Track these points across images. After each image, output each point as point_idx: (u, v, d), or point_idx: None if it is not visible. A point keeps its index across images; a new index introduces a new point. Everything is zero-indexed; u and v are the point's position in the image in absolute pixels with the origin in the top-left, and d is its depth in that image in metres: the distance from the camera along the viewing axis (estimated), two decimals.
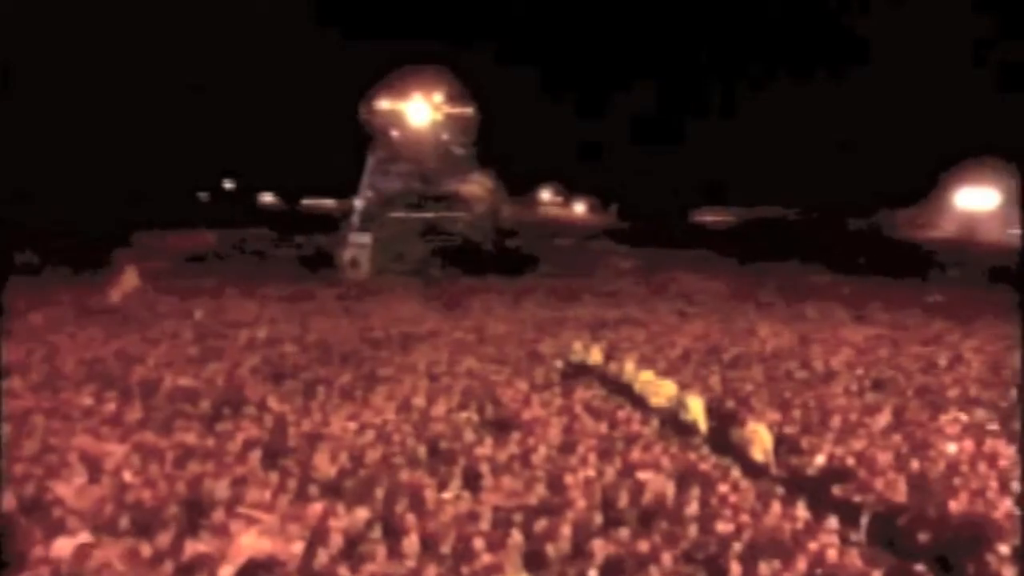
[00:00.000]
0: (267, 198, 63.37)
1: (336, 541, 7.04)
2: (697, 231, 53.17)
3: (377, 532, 7.27)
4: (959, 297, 29.34)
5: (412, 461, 9.36)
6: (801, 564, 7.06)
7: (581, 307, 25.37)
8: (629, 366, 14.34)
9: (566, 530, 7.52)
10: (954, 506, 8.54)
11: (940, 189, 49.46)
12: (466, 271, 32.92)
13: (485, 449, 9.88)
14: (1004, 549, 7.68)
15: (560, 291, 29.09)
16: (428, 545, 7.17)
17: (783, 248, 39.75)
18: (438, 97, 42.28)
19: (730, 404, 12.73)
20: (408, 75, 41.12)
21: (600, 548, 7.27)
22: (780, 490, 9.11)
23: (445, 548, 7.16)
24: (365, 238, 37.04)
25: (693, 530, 7.74)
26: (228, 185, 62.19)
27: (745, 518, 8.00)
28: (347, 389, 12.73)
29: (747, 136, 52.24)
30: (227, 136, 50.23)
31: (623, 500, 8.45)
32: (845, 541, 7.79)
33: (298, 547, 6.97)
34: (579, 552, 7.28)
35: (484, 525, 7.60)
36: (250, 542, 7.02)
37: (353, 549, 7.03)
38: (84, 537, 6.91)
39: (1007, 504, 8.55)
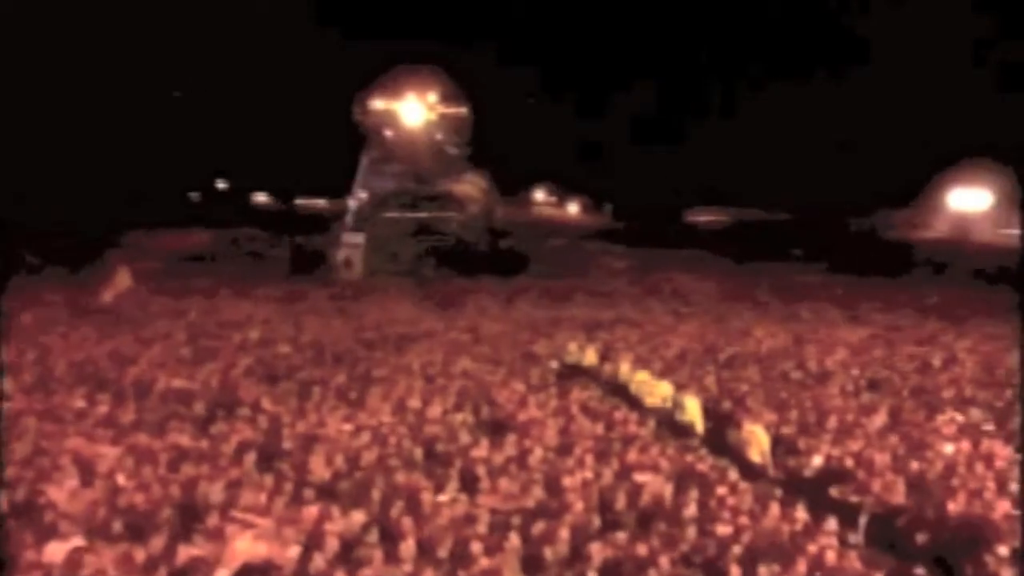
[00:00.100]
0: (260, 198, 63.19)
1: (332, 545, 6.97)
2: (691, 231, 53.24)
3: (374, 536, 7.20)
4: (952, 297, 29.45)
5: (408, 463, 9.28)
6: (801, 567, 7.02)
7: (575, 307, 25.38)
8: (625, 367, 14.29)
9: (564, 533, 7.46)
10: (952, 507, 8.51)
11: (933, 190, 49.64)
12: (460, 271, 32.86)
13: (481, 451, 9.80)
14: (1003, 551, 7.66)
15: (554, 291, 29.09)
16: (425, 549, 7.10)
17: (777, 248, 39.83)
18: (432, 97, 42.21)
19: (726, 405, 12.71)
20: (402, 75, 41.06)
21: (598, 551, 7.21)
22: (778, 492, 9.08)
23: (442, 552, 7.09)
24: (359, 238, 36.94)
25: (691, 532, 7.70)
26: (221, 185, 61.96)
27: (744, 520, 7.95)
28: (342, 390, 12.65)
29: (747, 136, 52.33)
30: (220, 136, 50.04)
31: (621, 502, 8.39)
32: (844, 543, 7.76)
33: (294, 551, 6.89)
34: (577, 555, 7.23)
35: (481, 528, 7.53)
36: (245, 546, 6.94)
37: (349, 553, 6.96)
38: (77, 541, 6.82)
39: (1005, 505, 8.54)
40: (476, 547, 7.12)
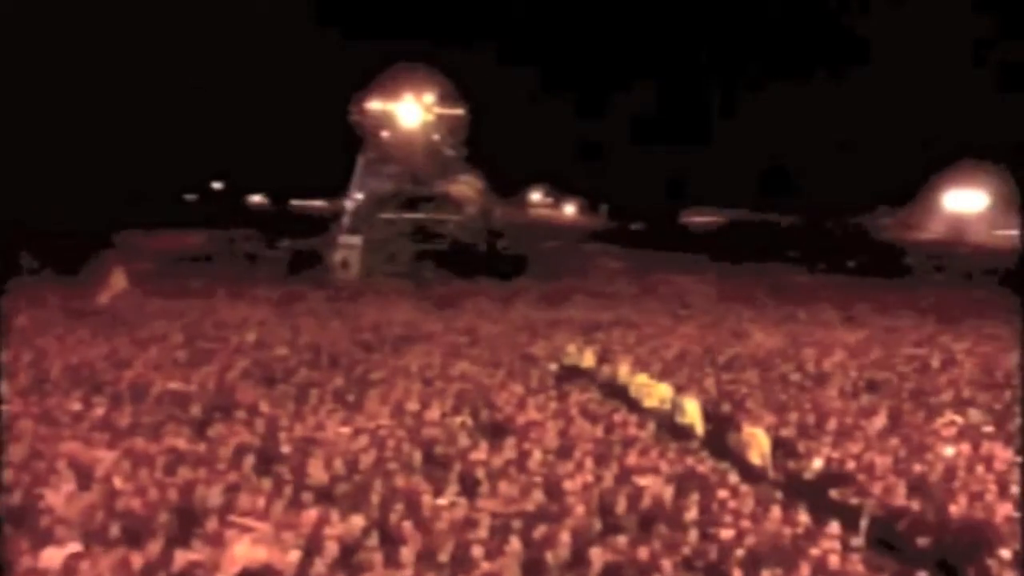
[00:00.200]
0: (256, 199, 63.04)
1: (332, 550, 6.90)
2: (687, 232, 53.25)
3: (374, 540, 7.15)
4: (949, 298, 29.49)
5: (407, 467, 9.22)
6: (804, 570, 6.97)
7: (573, 309, 25.34)
8: (623, 369, 14.28)
9: (565, 537, 7.41)
10: (954, 510, 8.50)
11: (929, 191, 49.75)
12: (457, 273, 32.78)
13: (480, 454, 9.75)
14: (1006, 553, 7.64)
15: (552, 293, 29.04)
16: (425, 553, 7.05)
17: (774, 249, 39.85)
18: (429, 98, 42.11)
19: (726, 407, 12.69)
20: (399, 75, 40.94)
21: (599, 555, 7.18)
22: (779, 494, 9.06)
23: (443, 556, 7.04)
24: (355, 239, 36.84)
25: (693, 536, 7.66)
26: (216, 186, 61.80)
27: (746, 523, 7.91)
28: (339, 393, 12.59)
29: (747, 136, 52.37)
30: (215, 137, 49.92)
31: (621, 506, 8.35)
32: (846, 546, 7.72)
33: (294, 556, 6.83)
34: (578, 559, 7.18)
35: (482, 532, 7.47)
36: (244, 551, 6.88)
37: (349, 558, 6.90)
38: (73, 547, 6.75)
39: (1007, 508, 8.51)
40: (477, 551, 7.07)
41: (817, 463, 10.08)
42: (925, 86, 47.21)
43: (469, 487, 8.66)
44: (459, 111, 41.99)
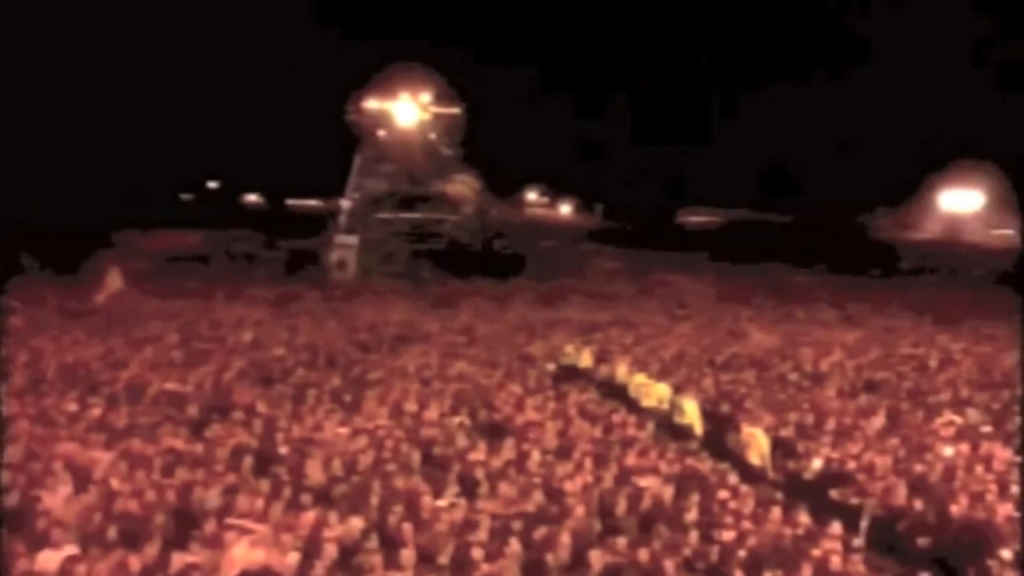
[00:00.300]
0: (251, 198, 62.92)
1: (331, 552, 6.86)
2: (683, 232, 53.26)
3: (373, 542, 7.10)
4: (946, 298, 29.52)
5: (406, 468, 9.18)
6: (806, 571, 6.96)
7: (570, 309, 25.30)
8: (622, 369, 14.25)
9: (565, 539, 7.38)
10: (954, 510, 8.48)
11: (925, 190, 49.87)
12: (454, 273, 32.70)
13: (479, 455, 9.71)
14: (1006, 554, 7.63)
15: (549, 293, 29.00)
16: (425, 555, 7.01)
17: (771, 249, 39.84)
18: (425, 97, 41.98)
19: (724, 407, 12.66)
20: (395, 74, 40.81)
21: (600, 557, 7.14)
22: (779, 495, 9.03)
23: (443, 558, 7.00)
24: (352, 239, 36.71)
25: (694, 537, 7.63)
26: (212, 185, 61.67)
27: (747, 524, 7.89)
28: (337, 393, 12.53)
29: (747, 136, 52.44)
30: (210, 136, 49.81)
31: (621, 507, 8.32)
32: (847, 547, 7.70)
33: (293, 558, 6.78)
34: (579, 561, 7.15)
35: (482, 534, 7.43)
36: (243, 553, 6.83)
37: (349, 560, 6.86)
38: (70, 549, 6.69)
39: (1007, 508, 8.50)
40: (477, 553, 7.03)
41: (816, 463, 10.07)
42: (925, 86, 47.30)
43: (468, 488, 8.62)
44: (455, 110, 41.86)
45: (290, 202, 59.07)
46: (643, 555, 7.18)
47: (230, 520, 7.40)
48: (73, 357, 14.38)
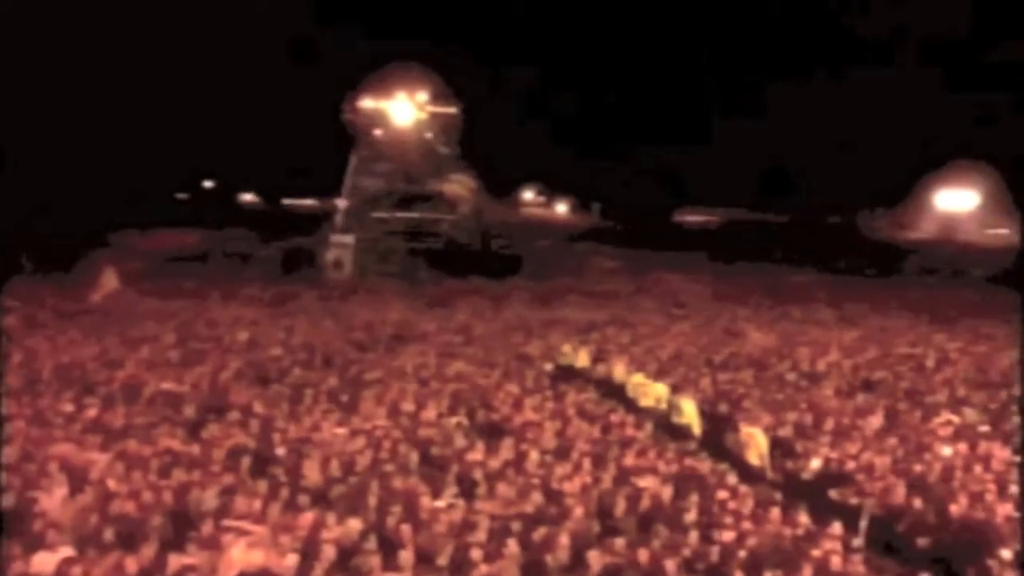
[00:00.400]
0: (247, 197, 62.79)
1: (329, 553, 6.82)
2: (680, 231, 53.26)
3: (372, 543, 7.06)
4: (942, 297, 29.57)
5: (404, 468, 9.15)
6: (806, 572, 6.93)
7: (568, 309, 25.27)
8: (619, 368, 14.22)
9: (564, 539, 7.35)
10: (954, 510, 8.47)
11: (920, 190, 49.96)
12: (450, 272, 32.66)
13: (478, 455, 9.68)
14: (1006, 554, 7.62)
15: (546, 292, 28.98)
16: (424, 556, 6.97)
17: (768, 248, 39.89)
18: (422, 96, 41.89)
19: (722, 407, 12.64)
20: (392, 74, 40.71)
21: (599, 558, 7.11)
22: (778, 495, 9.01)
23: (442, 559, 6.97)
24: (348, 239, 36.64)
25: (693, 538, 7.60)
26: (208, 184, 61.51)
27: (746, 525, 7.86)
28: (334, 393, 12.50)
29: (746, 136, 52.47)
30: (206, 135, 49.67)
31: (620, 507, 8.29)
32: (847, 547, 7.68)
33: (291, 560, 6.73)
34: (578, 562, 7.12)
35: (481, 535, 7.40)
36: (240, 555, 6.78)
37: (347, 561, 6.82)
38: (66, 551, 6.64)
39: (1006, 508, 8.49)
40: (476, 554, 7.00)
41: (815, 463, 10.04)
42: (924, 86, 47.39)
43: (467, 489, 8.59)
44: (452, 110, 41.78)
45: (286, 202, 58.98)
46: (642, 556, 7.15)
47: (227, 521, 7.36)
48: (69, 357, 14.32)
